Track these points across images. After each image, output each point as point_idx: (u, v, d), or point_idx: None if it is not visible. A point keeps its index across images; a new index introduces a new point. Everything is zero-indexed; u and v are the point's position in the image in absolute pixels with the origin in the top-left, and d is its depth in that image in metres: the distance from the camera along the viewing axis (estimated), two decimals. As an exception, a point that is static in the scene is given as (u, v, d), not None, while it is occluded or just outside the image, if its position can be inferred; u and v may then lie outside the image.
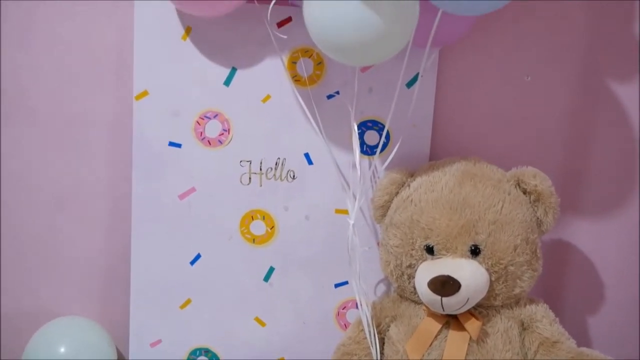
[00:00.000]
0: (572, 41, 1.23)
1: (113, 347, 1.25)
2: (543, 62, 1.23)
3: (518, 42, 1.23)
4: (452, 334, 1.09)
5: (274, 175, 1.22)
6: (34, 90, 1.21)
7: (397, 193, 1.15)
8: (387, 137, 1.21)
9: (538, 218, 1.10)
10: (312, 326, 1.27)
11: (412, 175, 1.16)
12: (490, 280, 1.07)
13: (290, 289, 1.26)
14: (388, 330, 1.17)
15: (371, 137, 1.22)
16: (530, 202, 1.10)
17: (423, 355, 1.10)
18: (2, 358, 1.30)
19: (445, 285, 1.03)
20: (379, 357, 1.16)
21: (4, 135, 1.23)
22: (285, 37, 1.13)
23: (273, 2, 1.03)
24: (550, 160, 1.25)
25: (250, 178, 1.22)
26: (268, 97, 1.20)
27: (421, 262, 1.09)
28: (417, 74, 1.17)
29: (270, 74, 1.19)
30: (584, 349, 1.10)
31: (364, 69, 1.19)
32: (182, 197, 1.22)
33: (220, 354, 1.27)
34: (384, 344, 1.18)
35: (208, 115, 1.19)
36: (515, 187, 1.11)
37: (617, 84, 1.24)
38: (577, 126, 1.26)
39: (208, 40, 1.17)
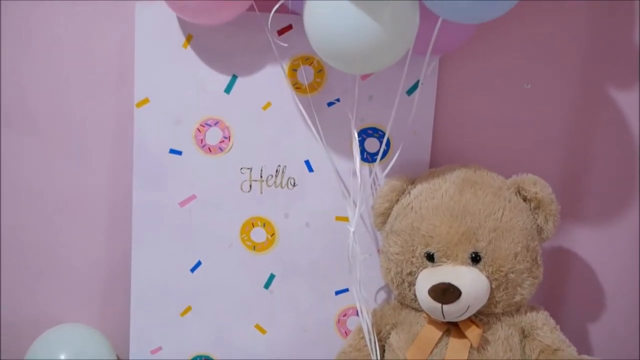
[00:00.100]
0: (571, 49, 1.24)
1: (113, 354, 1.25)
2: (543, 70, 1.24)
3: (518, 50, 1.23)
4: (453, 342, 1.09)
5: (275, 182, 1.22)
6: (34, 97, 1.22)
7: (397, 200, 1.15)
8: (388, 144, 1.21)
9: (538, 225, 1.10)
10: (313, 333, 1.27)
11: (413, 182, 1.16)
12: (491, 288, 1.07)
13: (290, 296, 1.26)
14: (389, 337, 1.17)
15: (371, 144, 1.22)
16: (530, 210, 1.10)
17: (424, 363, 1.10)
18: (2, 365, 1.30)
19: (445, 293, 1.03)
20: (379, 365, 1.16)
21: (4, 142, 1.23)
22: (285, 45, 1.13)
23: (274, 10, 1.04)
24: (550, 167, 1.25)
25: (250, 185, 1.22)
26: (269, 104, 1.20)
27: (422, 270, 1.09)
28: (418, 82, 1.18)
29: (270, 81, 1.19)
30: (584, 357, 1.10)
31: (365, 77, 1.19)
32: (182, 204, 1.22)
33: (220, 362, 1.27)
34: (384, 351, 1.18)
35: (209, 122, 1.20)
36: (516, 194, 1.11)
37: (617, 91, 1.24)
38: (577, 133, 1.26)
39: (209, 48, 1.18)
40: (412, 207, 1.11)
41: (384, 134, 1.20)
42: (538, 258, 1.10)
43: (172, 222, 1.22)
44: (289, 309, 1.26)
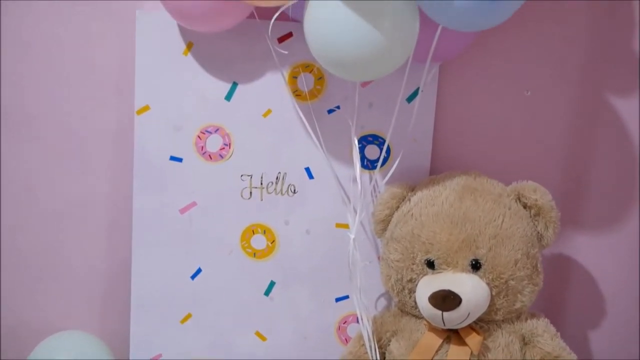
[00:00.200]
0: (572, 56, 1.24)
1: (113, 362, 1.25)
2: (543, 77, 1.24)
3: (518, 57, 1.23)
4: (453, 349, 1.09)
5: (275, 189, 1.22)
6: (35, 104, 1.22)
7: (397, 207, 1.15)
8: (388, 151, 1.21)
9: (539, 232, 1.10)
10: (313, 341, 1.27)
11: (413, 189, 1.16)
12: (491, 295, 1.07)
13: (291, 303, 1.26)
14: (389, 344, 1.17)
15: (372, 151, 1.22)
16: (530, 217, 1.10)
17: (424, 370, 1.10)
18: (2, 372, 1.30)
19: (446, 300, 1.03)
20: (379, 372, 1.16)
21: (4, 148, 1.23)
22: (286, 52, 1.13)
23: (274, 17, 1.04)
24: (550, 174, 1.25)
25: (251, 192, 1.22)
26: (269, 111, 1.20)
27: (422, 277, 1.09)
28: (418, 89, 1.18)
29: (271, 88, 1.19)
30: (585, 364, 1.10)
31: (365, 84, 1.19)
32: (182, 211, 1.22)
33: (220, 369, 1.27)
34: (384, 358, 1.17)
35: (209, 129, 1.20)
36: (516, 201, 1.11)
37: (617, 98, 1.24)
38: (577, 140, 1.27)
39: (209, 56, 1.18)
40: (412, 214, 1.11)
41: (384, 141, 1.20)
42: (538, 265, 1.10)
43: (173, 229, 1.22)
44: (289, 316, 1.26)
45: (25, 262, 1.27)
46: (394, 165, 1.18)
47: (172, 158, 1.20)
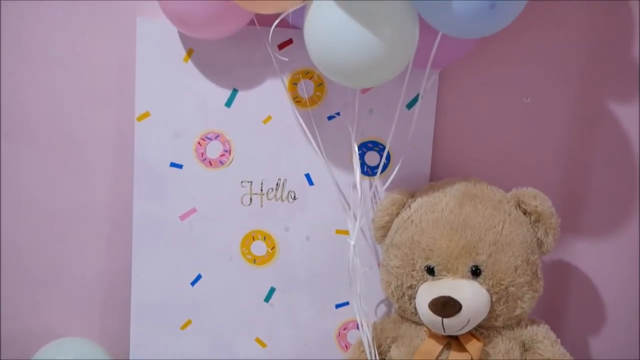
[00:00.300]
0: (571, 62, 1.24)
1: (113, 368, 1.25)
2: (542, 84, 1.24)
3: (517, 64, 1.23)
4: (454, 355, 1.09)
5: (275, 195, 1.22)
6: (35, 111, 1.22)
7: (397, 214, 1.15)
8: (388, 157, 1.21)
9: (539, 239, 1.10)
10: (313, 347, 1.27)
11: (413, 195, 1.16)
12: (491, 301, 1.07)
13: (291, 310, 1.26)
14: (389, 351, 1.17)
15: (372, 157, 1.23)
16: (530, 223, 1.10)
17: (424, 377, 1.10)
18: (1, 379, 1.30)
19: (446, 306, 1.03)
20: (380, 379, 1.16)
21: (4, 155, 1.23)
22: (286, 59, 1.13)
23: (274, 24, 1.04)
24: (550, 180, 1.25)
25: (251, 199, 1.22)
26: (269, 118, 1.20)
27: (422, 283, 1.09)
28: (418, 95, 1.18)
29: (271, 95, 1.19)
30: (585, 370, 1.10)
31: (365, 91, 1.19)
32: (183, 217, 1.22)
33: (220, 375, 1.27)
34: (385, 365, 1.18)
35: (209, 136, 1.20)
36: (516, 207, 1.11)
37: (616, 105, 1.25)
38: (577, 147, 1.27)
39: (210, 62, 1.18)
40: (412, 221, 1.11)
41: (384, 147, 1.20)
42: (538, 271, 1.10)
43: (173, 236, 1.22)
44: (289, 323, 1.26)
45: (26, 269, 1.27)
46: (394, 172, 1.18)
47: (173, 164, 1.20)
